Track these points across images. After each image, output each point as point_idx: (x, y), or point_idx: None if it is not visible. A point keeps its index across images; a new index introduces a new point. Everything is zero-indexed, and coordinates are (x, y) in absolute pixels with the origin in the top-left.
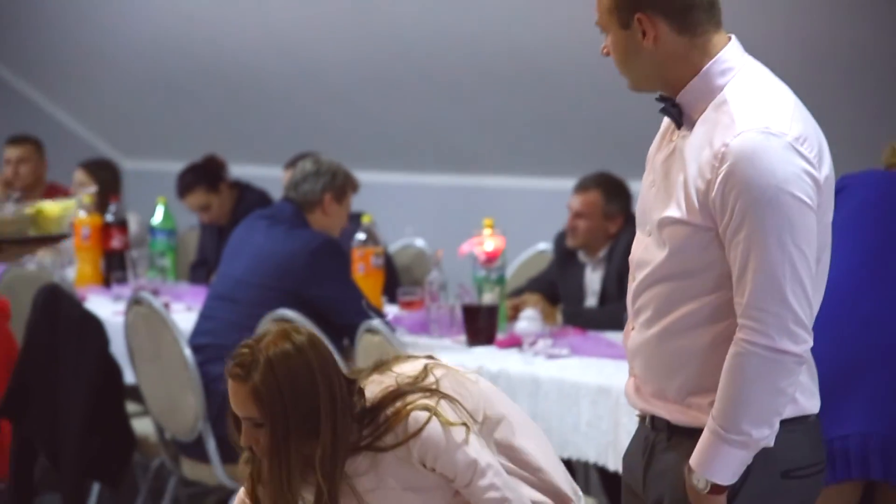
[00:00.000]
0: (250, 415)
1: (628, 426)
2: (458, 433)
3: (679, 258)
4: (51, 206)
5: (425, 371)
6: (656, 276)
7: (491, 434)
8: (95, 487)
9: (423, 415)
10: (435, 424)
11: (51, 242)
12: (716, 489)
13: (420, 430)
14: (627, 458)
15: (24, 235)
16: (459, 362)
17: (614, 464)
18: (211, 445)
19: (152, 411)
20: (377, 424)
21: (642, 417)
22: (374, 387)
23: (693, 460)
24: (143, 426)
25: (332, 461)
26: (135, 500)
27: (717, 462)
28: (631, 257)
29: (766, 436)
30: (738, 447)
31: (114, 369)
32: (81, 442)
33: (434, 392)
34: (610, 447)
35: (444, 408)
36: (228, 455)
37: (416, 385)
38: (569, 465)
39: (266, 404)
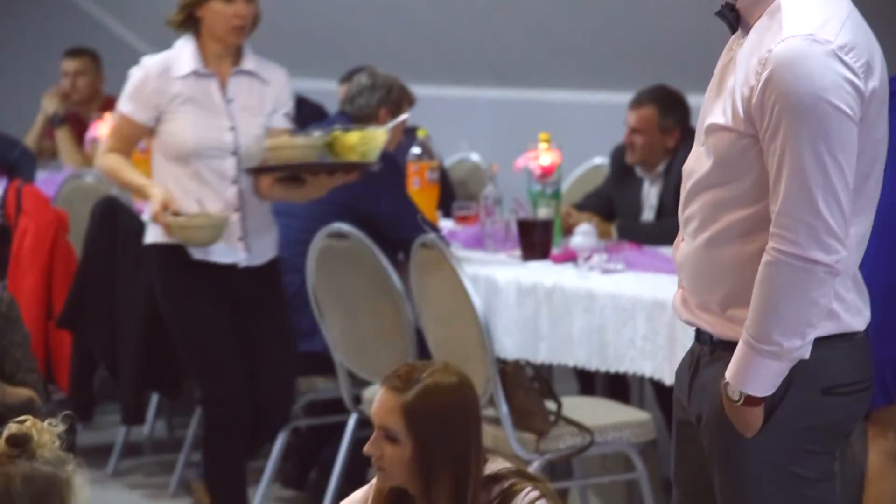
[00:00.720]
0: (389, 425)
1: (683, 341)
2: None
3: (723, 166)
4: (348, 134)
5: (543, 478)
6: (702, 184)
7: None
8: (154, 398)
9: (536, 493)
10: None
11: (354, 170)
12: (750, 401)
13: None
14: (678, 372)
15: (313, 161)
16: (514, 277)
17: (670, 378)
18: None
19: None
20: (490, 496)
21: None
22: (493, 464)
23: (728, 372)
24: None
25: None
26: (192, 411)
27: (749, 373)
28: (683, 168)
29: (797, 347)
30: (771, 358)
31: None
32: (140, 352)
33: (548, 488)
34: (665, 361)
35: None
36: None
37: (533, 477)
38: (624, 379)
39: (416, 423)
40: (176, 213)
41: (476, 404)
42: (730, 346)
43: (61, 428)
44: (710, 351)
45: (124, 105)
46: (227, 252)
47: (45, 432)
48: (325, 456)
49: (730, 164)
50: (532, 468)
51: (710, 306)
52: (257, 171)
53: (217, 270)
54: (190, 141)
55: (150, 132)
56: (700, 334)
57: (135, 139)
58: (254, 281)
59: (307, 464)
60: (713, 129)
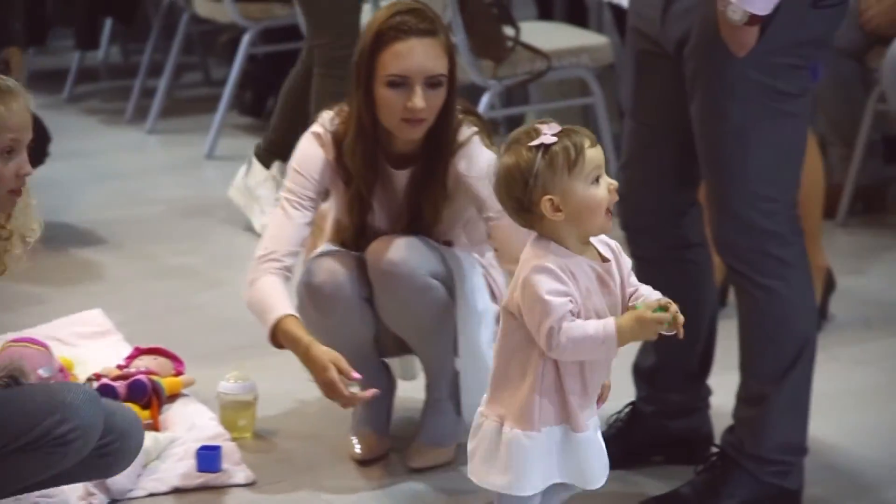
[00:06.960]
0: (438, 71)
1: None
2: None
3: None
4: None
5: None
6: None
7: None
8: (108, 23)
9: (474, 129)
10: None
11: None
12: (753, 20)
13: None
14: (636, 2)
15: None
16: None
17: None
18: None
19: None
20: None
21: None
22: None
23: None
24: None
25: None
26: (147, 37)
27: None
28: None
29: None
30: None
31: None
32: None
33: (481, 123)
34: None
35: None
36: None
37: (471, 111)
38: (582, 4)
39: (452, 59)
40: None
41: None
42: None
43: None
44: None
45: None
46: None
47: None
48: (281, 84)
49: None
50: (488, 95)
51: None
52: None
53: None
54: None
55: None
56: None
57: None
58: None
59: (264, 91)
60: None
